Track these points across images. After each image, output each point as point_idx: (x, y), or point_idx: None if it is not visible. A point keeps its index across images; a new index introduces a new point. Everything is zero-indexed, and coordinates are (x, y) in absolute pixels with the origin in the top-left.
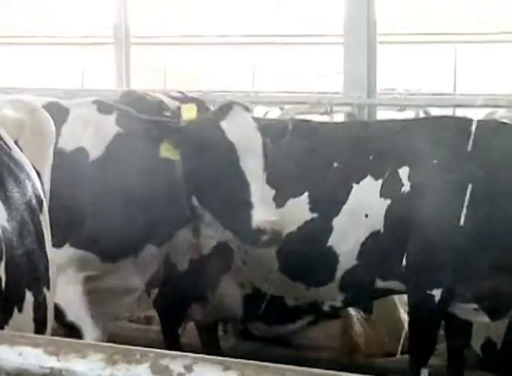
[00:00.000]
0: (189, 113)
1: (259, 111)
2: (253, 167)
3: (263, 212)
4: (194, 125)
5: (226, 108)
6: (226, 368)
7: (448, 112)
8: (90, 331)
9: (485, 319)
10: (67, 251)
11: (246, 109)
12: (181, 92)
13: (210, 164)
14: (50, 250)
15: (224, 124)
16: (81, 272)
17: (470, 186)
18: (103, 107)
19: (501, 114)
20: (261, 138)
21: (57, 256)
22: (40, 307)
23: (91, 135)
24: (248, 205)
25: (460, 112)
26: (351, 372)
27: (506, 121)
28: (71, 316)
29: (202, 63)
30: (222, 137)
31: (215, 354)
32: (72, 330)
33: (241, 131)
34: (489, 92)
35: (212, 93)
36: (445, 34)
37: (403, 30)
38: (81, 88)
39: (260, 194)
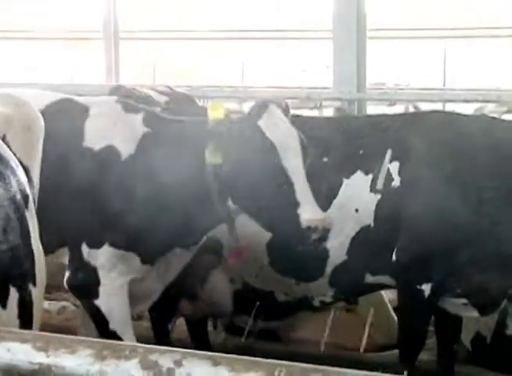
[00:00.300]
0: (215, 111)
1: (248, 106)
2: (294, 165)
3: (311, 210)
4: (230, 126)
5: (262, 107)
6: (216, 363)
7: (438, 107)
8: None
9: (475, 313)
10: (107, 252)
11: (280, 107)
12: (168, 87)
13: (250, 164)
14: (37, 246)
15: (262, 124)
16: (124, 276)
17: (459, 180)
18: (129, 106)
19: (490, 109)
20: (298, 135)
21: (98, 257)
22: (25, 303)
23: (119, 133)
24: (294, 204)
25: (450, 107)
26: (342, 367)
27: (495, 115)
28: (114, 325)
29: (192, 58)
30: (262, 137)
31: (205, 349)
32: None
33: (279, 130)
34: (479, 86)
35: (201, 88)
36: (434, 29)
37: (392, 24)
38: (70, 83)
39: (305, 192)
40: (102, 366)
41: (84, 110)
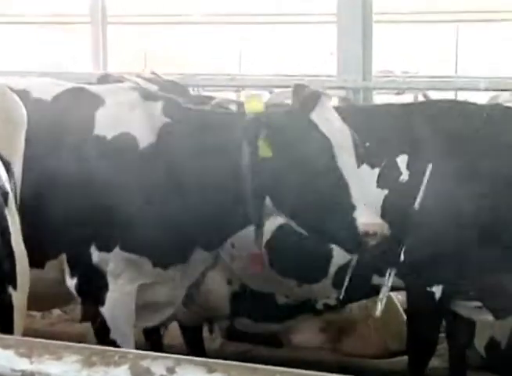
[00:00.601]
0: (253, 103)
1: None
2: (349, 165)
3: (368, 214)
4: (278, 118)
5: (314, 98)
6: (211, 370)
7: (450, 96)
8: None
9: (489, 317)
10: (117, 255)
11: (330, 99)
12: (154, 74)
13: (300, 161)
14: (19, 246)
15: (315, 117)
16: (133, 283)
17: (473, 175)
18: (146, 94)
19: (505, 98)
20: (351, 133)
21: (108, 261)
22: (5, 308)
23: (137, 122)
24: (350, 207)
25: (462, 95)
26: (347, 373)
27: (510, 104)
28: (116, 334)
29: (186, 44)
30: (317, 132)
31: (200, 356)
32: None
33: (334, 126)
34: (493, 74)
35: (195, 76)
36: (445, 13)
37: (400, 8)
38: (55, 70)
39: (360, 194)
40: (89, 373)
41: (99, 99)
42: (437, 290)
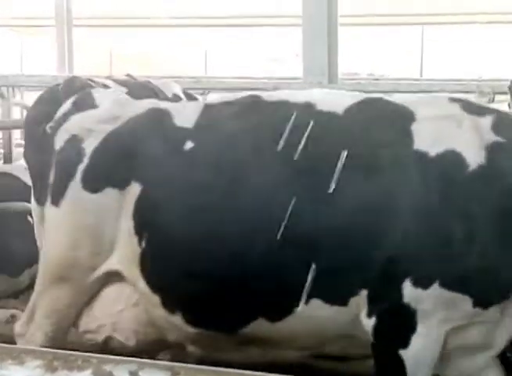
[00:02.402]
0: None
1: (212, 98)
2: None
3: None
4: None
5: None
6: (175, 373)
7: None
8: None
9: None
10: (435, 293)
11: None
12: (128, 75)
13: None
14: None
15: None
16: (444, 325)
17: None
18: (470, 107)
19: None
20: None
21: (422, 300)
22: None
23: (464, 138)
24: None
25: None
26: (311, 375)
27: None
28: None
29: (151, 47)
30: None
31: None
32: None
33: None
34: (458, 76)
35: (160, 79)
36: (411, 16)
37: (366, 10)
38: (18, 73)
39: None
40: None
41: (409, 111)
42: None
